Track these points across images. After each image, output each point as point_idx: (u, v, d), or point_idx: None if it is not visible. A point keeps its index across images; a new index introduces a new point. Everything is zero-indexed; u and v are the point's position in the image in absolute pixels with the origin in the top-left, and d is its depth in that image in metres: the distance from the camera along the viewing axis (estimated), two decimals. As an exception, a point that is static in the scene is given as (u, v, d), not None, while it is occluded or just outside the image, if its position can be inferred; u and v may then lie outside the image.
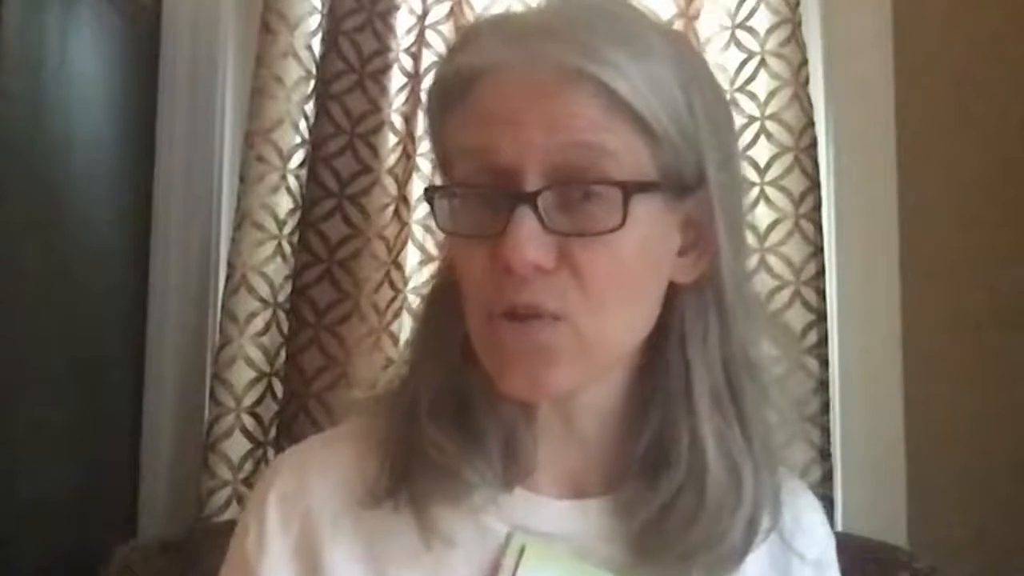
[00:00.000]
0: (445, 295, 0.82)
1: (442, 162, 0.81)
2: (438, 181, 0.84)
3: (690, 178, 0.75)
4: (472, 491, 0.77)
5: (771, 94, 1.42)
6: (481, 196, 0.73)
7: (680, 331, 0.78)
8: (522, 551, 0.75)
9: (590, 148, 0.71)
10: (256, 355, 1.42)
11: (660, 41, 0.76)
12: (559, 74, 0.71)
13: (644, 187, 0.72)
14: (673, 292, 0.78)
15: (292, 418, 1.44)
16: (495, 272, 0.72)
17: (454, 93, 0.76)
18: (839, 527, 1.40)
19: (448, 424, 0.78)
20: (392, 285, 1.46)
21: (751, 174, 1.41)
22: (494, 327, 0.73)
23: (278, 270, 1.44)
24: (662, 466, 0.78)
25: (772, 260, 1.40)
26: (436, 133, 0.81)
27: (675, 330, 0.78)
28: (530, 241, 0.70)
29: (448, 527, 0.77)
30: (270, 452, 1.43)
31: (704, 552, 0.77)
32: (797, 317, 1.39)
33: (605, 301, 0.73)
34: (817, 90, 1.48)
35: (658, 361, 0.79)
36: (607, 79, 0.71)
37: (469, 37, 0.79)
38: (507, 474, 0.79)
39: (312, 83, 1.47)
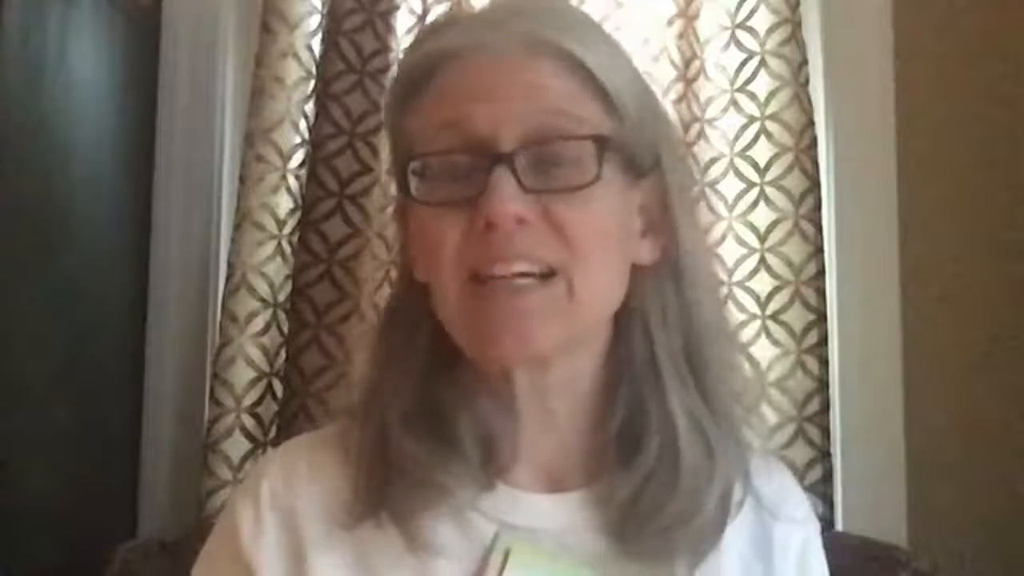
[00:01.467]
0: (406, 304, 0.83)
1: (402, 148, 0.81)
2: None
3: (646, 161, 0.79)
4: (453, 495, 0.78)
5: (771, 94, 1.42)
6: (454, 164, 0.75)
7: (642, 311, 0.81)
8: (508, 553, 0.75)
9: (562, 114, 0.75)
10: (256, 355, 1.42)
11: (606, 35, 0.82)
12: (530, 47, 0.75)
13: (614, 145, 0.76)
14: (634, 274, 0.81)
15: (292, 418, 1.44)
16: (475, 234, 0.74)
17: (420, 77, 0.78)
18: (839, 527, 1.40)
19: (422, 433, 0.79)
20: (392, 285, 1.46)
21: (751, 174, 1.41)
22: (478, 292, 0.75)
23: (278, 270, 1.44)
24: (635, 449, 0.80)
25: (772, 260, 1.40)
26: (397, 121, 0.81)
27: (637, 311, 0.81)
28: (511, 197, 0.72)
29: (432, 535, 0.78)
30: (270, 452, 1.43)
31: (681, 527, 0.78)
32: (797, 317, 1.39)
33: (590, 255, 0.75)
34: (817, 90, 1.48)
35: (623, 343, 0.82)
36: (578, 53, 0.75)
37: (434, 27, 0.84)
38: (487, 472, 0.80)
39: (312, 83, 1.47)
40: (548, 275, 0.74)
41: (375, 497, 0.78)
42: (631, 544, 0.78)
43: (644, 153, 0.79)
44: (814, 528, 0.88)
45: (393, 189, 1.48)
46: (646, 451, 0.79)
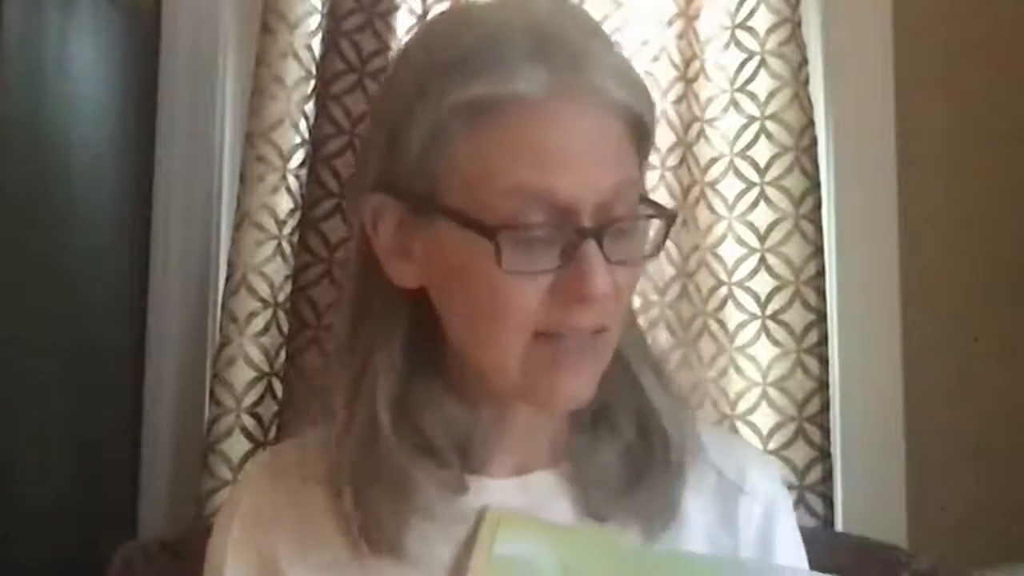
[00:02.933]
0: (377, 303, 0.83)
1: (425, 180, 0.77)
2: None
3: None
4: (432, 505, 0.80)
5: (771, 94, 1.42)
6: (537, 231, 0.75)
7: None
8: (497, 524, 0.75)
9: (627, 184, 0.78)
10: (256, 355, 1.42)
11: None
12: (597, 107, 0.76)
13: (671, 216, 0.81)
14: None
15: (292, 418, 1.44)
16: (559, 302, 0.76)
17: (468, 117, 0.75)
18: (839, 527, 1.40)
19: (407, 444, 0.81)
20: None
21: (751, 174, 1.41)
22: (547, 348, 0.77)
23: (278, 270, 1.44)
24: (604, 433, 0.85)
25: (772, 260, 1.40)
26: (426, 152, 0.77)
27: None
28: (605, 274, 0.75)
29: (416, 547, 0.79)
30: (270, 452, 1.43)
31: (644, 507, 0.82)
32: (797, 317, 1.38)
33: (626, 308, 0.82)
34: (817, 90, 1.48)
35: None
36: (638, 109, 0.79)
37: (478, 54, 0.76)
38: (462, 473, 0.82)
39: (312, 83, 1.47)
40: (604, 330, 0.79)
41: (361, 516, 0.80)
42: (596, 520, 0.82)
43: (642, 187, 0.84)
44: (781, 494, 0.90)
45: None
46: (616, 438, 0.84)
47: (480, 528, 0.77)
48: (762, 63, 1.43)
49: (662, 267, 1.40)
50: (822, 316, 1.39)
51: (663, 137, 1.42)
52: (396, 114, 0.79)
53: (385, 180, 0.80)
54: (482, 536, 0.70)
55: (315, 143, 1.47)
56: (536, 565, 0.66)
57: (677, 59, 1.45)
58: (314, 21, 1.47)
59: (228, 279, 1.42)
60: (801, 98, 1.41)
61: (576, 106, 0.75)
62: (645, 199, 0.81)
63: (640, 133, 0.80)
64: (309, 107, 1.47)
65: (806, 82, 1.42)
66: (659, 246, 0.80)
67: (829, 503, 1.36)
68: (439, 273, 0.80)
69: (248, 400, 1.41)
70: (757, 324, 1.39)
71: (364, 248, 0.83)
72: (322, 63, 1.48)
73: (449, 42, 0.78)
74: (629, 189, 0.78)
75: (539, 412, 0.83)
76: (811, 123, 1.41)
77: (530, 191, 0.74)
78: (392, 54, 1.50)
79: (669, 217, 0.80)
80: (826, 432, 1.38)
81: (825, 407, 1.38)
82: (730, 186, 1.43)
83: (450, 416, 0.82)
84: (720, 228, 1.42)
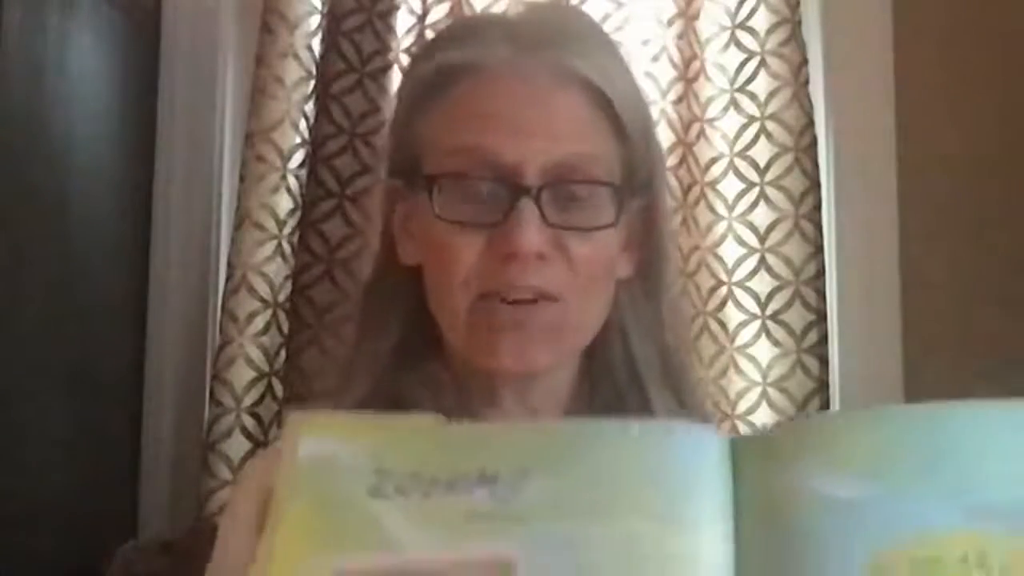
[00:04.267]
0: (386, 283, 0.85)
1: (410, 152, 0.82)
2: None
3: (642, 180, 0.82)
4: None
5: (771, 94, 1.42)
6: (475, 186, 0.77)
7: (620, 320, 0.85)
8: (301, 427, 0.69)
9: (583, 151, 0.78)
10: (256, 355, 1.42)
11: (622, 54, 0.85)
12: (557, 77, 0.77)
13: (625, 186, 0.79)
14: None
15: (292, 418, 1.43)
16: (494, 259, 0.76)
17: (438, 84, 0.79)
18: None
19: None
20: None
21: (751, 174, 1.41)
22: (486, 309, 0.77)
23: (278, 270, 1.44)
24: None
25: (772, 260, 1.40)
26: (408, 123, 0.82)
27: (615, 320, 0.84)
28: (536, 231, 0.75)
29: None
30: (270, 452, 1.43)
31: None
32: (797, 317, 1.39)
33: (590, 288, 0.79)
34: (817, 90, 1.48)
35: (600, 347, 0.85)
36: (603, 86, 0.78)
37: (453, 34, 0.85)
38: None
39: (312, 83, 1.47)
40: (551, 299, 0.78)
41: None
42: None
43: (641, 174, 0.82)
44: None
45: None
46: None
47: (284, 434, 0.73)
48: (762, 63, 1.43)
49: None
50: (822, 316, 1.39)
51: (663, 137, 1.42)
52: (398, 101, 0.85)
53: (393, 165, 0.85)
54: (286, 442, 0.65)
55: (315, 143, 1.47)
56: (347, 463, 0.62)
57: (677, 59, 1.45)
58: (314, 21, 1.48)
59: (228, 279, 1.43)
60: (801, 98, 1.41)
61: (532, 77, 0.77)
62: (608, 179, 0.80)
63: (609, 113, 0.79)
64: (309, 107, 1.47)
65: (806, 82, 1.42)
66: (614, 215, 0.78)
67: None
68: (421, 245, 0.82)
69: (248, 400, 1.41)
70: (757, 324, 1.40)
71: (385, 231, 0.87)
72: (322, 63, 1.48)
73: (442, 31, 0.83)
74: (588, 163, 0.77)
75: (508, 384, 0.82)
76: (811, 123, 1.41)
77: (475, 152, 0.77)
78: (392, 54, 1.50)
79: (619, 191, 0.78)
80: (826, 432, 1.38)
81: (825, 407, 1.38)
82: (730, 186, 1.43)
83: (441, 396, 0.82)
84: (720, 228, 1.42)
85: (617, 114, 0.79)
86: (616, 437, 0.56)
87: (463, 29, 0.86)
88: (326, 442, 0.62)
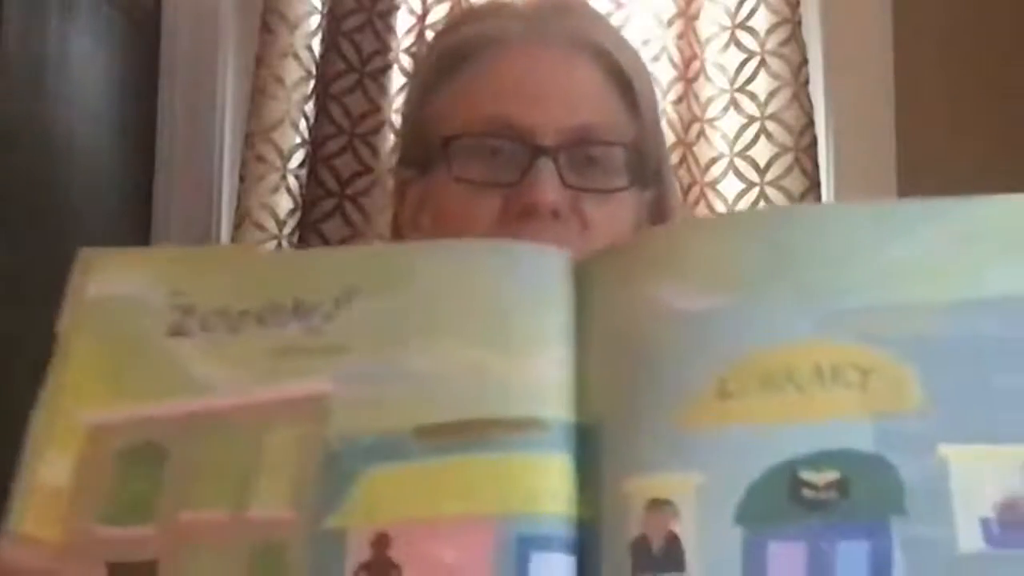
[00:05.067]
0: None
1: (430, 127, 0.82)
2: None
3: (651, 170, 0.83)
4: None
5: (771, 94, 1.42)
6: (494, 148, 0.78)
7: None
8: (90, 265, 0.58)
9: (599, 124, 0.78)
10: (256, 355, 1.42)
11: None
12: (573, 46, 0.79)
13: (637, 154, 0.80)
14: None
15: (292, 418, 1.44)
16: (511, 218, 0.76)
17: (457, 58, 0.81)
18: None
19: None
20: None
21: (751, 174, 1.41)
22: None
23: (278, 270, 1.44)
24: None
25: (772, 260, 1.40)
26: (424, 103, 0.83)
27: None
28: (553, 188, 0.75)
29: None
30: (270, 452, 1.43)
31: None
32: (797, 317, 1.39)
33: None
34: (817, 90, 1.48)
35: None
36: (618, 56, 0.80)
37: (473, 13, 0.89)
38: None
39: (312, 83, 1.47)
40: None
41: None
42: None
43: (650, 164, 0.83)
44: None
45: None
46: None
47: (73, 272, 0.59)
48: (762, 63, 1.43)
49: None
50: (822, 316, 1.39)
51: (663, 137, 1.43)
52: (409, 90, 0.90)
53: (405, 152, 0.86)
54: (74, 279, 0.56)
55: (315, 143, 1.47)
56: (140, 299, 0.53)
57: (677, 59, 1.45)
58: (314, 21, 1.48)
59: (228, 279, 1.42)
60: (801, 98, 1.41)
61: (547, 47, 0.79)
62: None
63: (623, 85, 0.80)
64: (309, 107, 1.47)
65: (806, 82, 1.42)
66: (627, 178, 0.79)
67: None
68: (436, 220, 0.82)
69: (248, 400, 1.41)
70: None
71: (395, 225, 0.88)
72: (322, 63, 1.48)
73: (456, 14, 0.85)
74: (604, 131, 0.78)
75: None
76: (811, 123, 1.41)
77: (494, 120, 0.77)
78: (392, 54, 1.50)
79: (630, 147, 0.79)
80: (826, 432, 1.38)
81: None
82: (730, 186, 1.43)
83: None
84: (720, 228, 1.42)
85: (632, 88, 0.80)
86: (451, 256, 0.52)
87: (477, 10, 0.90)
88: (120, 279, 0.55)
